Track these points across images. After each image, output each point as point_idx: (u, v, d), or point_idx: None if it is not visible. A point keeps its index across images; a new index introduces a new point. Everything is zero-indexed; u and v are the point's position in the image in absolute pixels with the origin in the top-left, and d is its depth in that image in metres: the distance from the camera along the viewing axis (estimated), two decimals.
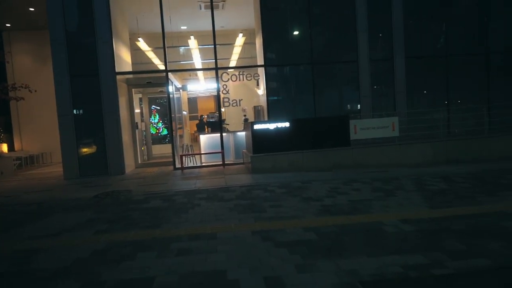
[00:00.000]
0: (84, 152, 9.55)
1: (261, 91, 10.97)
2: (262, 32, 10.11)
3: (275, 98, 10.39)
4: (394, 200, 5.34)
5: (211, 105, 18.70)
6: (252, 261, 3.34)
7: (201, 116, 14.37)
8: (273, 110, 10.22)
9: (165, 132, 14.84)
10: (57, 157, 12.37)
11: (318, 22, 10.37)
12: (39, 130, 14.74)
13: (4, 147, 14.60)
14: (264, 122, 8.64)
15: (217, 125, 10.63)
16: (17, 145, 15.23)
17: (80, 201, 6.49)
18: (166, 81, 10.00)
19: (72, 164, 9.37)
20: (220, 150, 10.06)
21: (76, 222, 5.06)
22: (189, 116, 18.38)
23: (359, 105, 10.39)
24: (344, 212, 4.87)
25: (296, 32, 10.53)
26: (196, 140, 14.22)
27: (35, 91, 11.47)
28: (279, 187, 6.71)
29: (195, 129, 14.87)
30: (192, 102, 19.67)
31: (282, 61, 10.44)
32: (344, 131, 8.56)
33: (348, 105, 10.81)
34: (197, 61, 13.85)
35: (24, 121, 14.97)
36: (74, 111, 9.40)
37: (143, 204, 5.98)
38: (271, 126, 8.36)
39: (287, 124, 8.41)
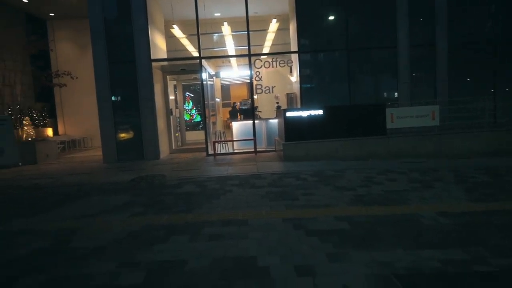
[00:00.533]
0: (122, 137, 9.90)
1: (294, 78, 10.80)
2: (296, 17, 9.88)
3: (309, 85, 10.20)
4: (432, 192, 5.10)
5: (244, 93, 18.68)
6: (283, 248, 3.32)
7: (234, 103, 14.42)
8: (307, 97, 10.04)
9: (198, 118, 15.05)
10: (97, 142, 12.91)
11: (355, 5, 9.98)
12: (81, 116, 15.46)
13: (49, 132, 15.47)
14: (297, 109, 8.52)
15: (250, 112, 10.62)
16: (60, 130, 16.09)
17: (117, 185, 6.75)
18: (199, 68, 10.08)
19: (110, 149, 9.75)
20: (252, 137, 10.07)
21: (113, 204, 5.27)
22: (222, 104, 18.52)
23: (396, 93, 9.97)
24: (379, 202, 4.72)
25: (331, 17, 10.21)
26: (228, 127, 14.30)
27: (77, 77, 11.97)
28: (311, 175, 6.62)
29: (228, 116, 14.98)
30: (225, 89, 19.76)
31: (316, 47, 10.18)
32: (380, 120, 8.26)
33: (385, 93, 10.41)
34: (231, 48, 13.82)
35: (66, 106, 15.75)
36: (113, 98, 9.74)
37: (176, 189, 6.12)
38: (304, 113, 8.23)
39: (320, 112, 8.23)
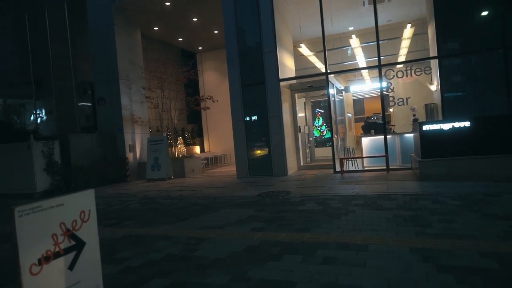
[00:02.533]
0: (253, 154, 10.55)
1: (434, 86, 9.56)
2: (435, 19, 8.79)
3: (452, 93, 8.84)
4: None
5: (379, 106, 17.63)
6: (406, 284, 2.86)
7: (367, 117, 13.71)
8: (450, 108, 8.72)
9: (328, 135, 14.82)
10: (234, 158, 14.17)
11: None
12: (221, 135, 17.25)
13: (197, 149, 17.75)
14: (437, 121, 7.46)
15: (381, 127, 9.87)
16: (206, 147, 18.29)
17: (245, 199, 7.15)
18: (326, 84, 9.97)
19: (243, 165, 10.50)
20: (383, 154, 9.30)
21: (238, 217, 5.57)
22: (355, 118, 17.86)
23: None
24: None
25: (480, 13, 8.69)
26: (360, 143, 13.65)
27: (217, 101, 13.42)
28: (453, 199, 5.64)
29: (361, 131, 14.35)
30: (358, 103, 19.06)
31: (461, 50, 8.80)
32: None
33: None
34: (361, 61, 13.30)
35: (210, 127, 17.83)
36: (245, 117, 10.51)
37: (299, 206, 6.07)
38: (445, 126, 7.14)
39: (467, 124, 7.01)
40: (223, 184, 9.54)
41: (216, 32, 15.10)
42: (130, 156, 12.59)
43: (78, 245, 2.57)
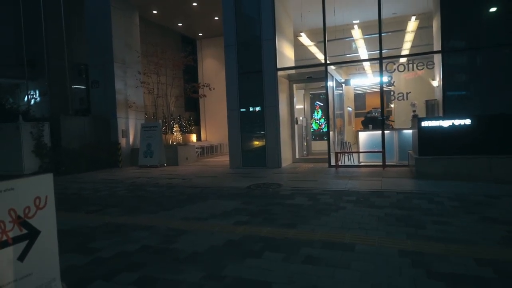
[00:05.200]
0: (247, 144, 10.29)
1: (436, 82, 9.26)
2: (441, 11, 8.45)
3: (455, 90, 8.54)
4: None
5: (379, 101, 17.33)
6: None
7: (367, 112, 13.43)
8: (451, 105, 8.44)
9: (327, 128, 14.60)
10: None
11: None
12: (218, 124, 16.98)
13: (193, 137, 17.49)
14: (436, 118, 7.19)
15: (379, 122, 9.60)
16: (203, 136, 18.04)
17: (234, 190, 6.91)
18: (325, 75, 9.66)
19: (236, 155, 10.25)
20: (380, 150, 9.04)
21: (224, 210, 5.34)
22: (355, 113, 17.56)
23: None
24: None
25: (487, 8, 8.34)
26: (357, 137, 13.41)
27: (214, 88, 13.12)
28: (450, 199, 5.40)
29: (361, 126, 14.10)
30: (360, 98, 18.74)
31: (467, 45, 8.47)
32: None
33: None
34: (363, 54, 12.94)
35: (207, 115, 17.56)
36: (240, 106, 10.22)
37: (288, 199, 5.84)
38: (445, 123, 6.87)
39: (467, 121, 6.73)
40: (214, 174, 9.30)
41: (216, 18, 14.73)
42: (123, 141, 12.34)
43: (31, 234, 2.32)
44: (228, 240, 3.90)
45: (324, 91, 13.78)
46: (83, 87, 13.56)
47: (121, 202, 6.31)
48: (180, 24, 15.96)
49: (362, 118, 13.89)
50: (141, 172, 10.66)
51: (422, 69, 9.23)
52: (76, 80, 13.84)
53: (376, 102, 17.41)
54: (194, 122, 17.77)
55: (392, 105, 13.38)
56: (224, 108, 16.06)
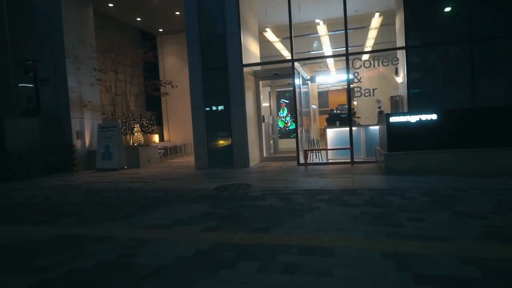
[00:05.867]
0: (213, 144, 9.87)
1: (401, 78, 9.38)
2: (404, 8, 8.54)
3: (419, 86, 8.66)
4: None
5: (343, 99, 17.53)
6: None
7: (331, 110, 13.48)
8: (416, 101, 8.56)
9: (293, 126, 14.50)
10: None
11: None
12: (181, 123, 16.39)
13: (155, 138, 16.76)
14: (404, 114, 7.21)
15: (347, 119, 9.59)
16: (166, 136, 17.33)
17: (201, 192, 6.51)
18: (292, 72, 9.47)
19: (202, 155, 9.81)
20: (348, 146, 9.01)
21: (191, 214, 4.94)
22: (319, 111, 17.65)
23: None
24: None
25: (448, 5, 8.53)
26: (324, 135, 13.42)
27: (176, 86, 12.56)
28: (421, 194, 5.35)
29: (325, 124, 14.14)
30: (323, 95, 18.86)
31: (429, 41, 8.60)
32: None
33: None
34: (327, 51, 12.95)
35: (170, 115, 16.89)
36: (205, 104, 9.78)
37: (259, 201, 5.54)
38: (413, 118, 6.89)
39: (434, 116, 6.79)
40: (179, 176, 8.82)
41: (178, 13, 14.15)
42: (78, 143, 11.47)
43: None
44: (197, 250, 3.53)
45: (290, 88, 13.74)
46: (31, 85, 12.45)
47: (75, 211, 5.71)
48: (139, 19, 15.19)
49: (326, 116, 13.97)
50: (99, 176, 9.92)
51: (387, 65, 9.30)
52: (22, 77, 12.67)
53: (339, 99, 17.66)
54: (156, 122, 17.02)
55: (355, 103, 13.51)
56: (187, 106, 15.52)
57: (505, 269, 2.76)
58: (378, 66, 9.19)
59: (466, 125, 6.73)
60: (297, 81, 9.76)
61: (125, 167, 11.08)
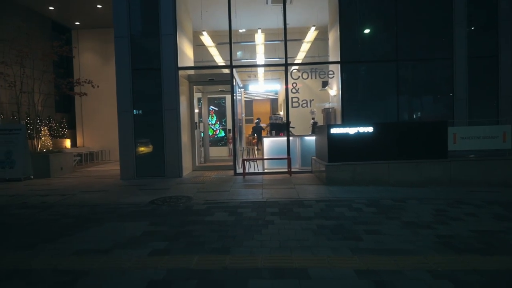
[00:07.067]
0: (142, 151, 8.99)
1: (334, 91, 9.74)
2: (340, 25, 8.91)
3: (351, 99, 9.06)
4: None
5: (267, 109, 17.89)
6: None
7: (258, 119, 13.51)
8: (348, 113, 8.94)
9: (222, 134, 14.20)
10: (116, 155, 12.15)
11: (406, 12, 8.90)
12: (100, 128, 14.85)
13: (67, 143, 14.84)
14: (343, 125, 7.41)
15: (282, 128, 9.60)
16: (79, 142, 15.46)
17: (135, 207, 5.75)
18: (230, 78, 9.17)
19: (129, 164, 8.85)
20: (286, 156, 9.00)
21: (130, 234, 4.25)
22: (245, 119, 17.65)
23: (451, 110, 8.76)
24: (477, 249, 3.53)
25: (378, 25, 9.14)
26: (251, 143, 13.35)
27: (98, 86, 11.28)
28: (366, 205, 5.46)
29: (249, 132, 14.10)
30: (248, 105, 18.96)
31: (361, 58, 9.08)
32: (440, 140, 7.07)
33: (439, 110, 9.17)
34: (260, 60, 12.97)
35: (86, 118, 15.17)
36: (134, 108, 8.88)
37: (206, 216, 5.06)
38: (352, 130, 7.11)
39: (370, 129, 7.11)
40: (103, 187, 7.77)
41: (99, 6, 12.80)
42: None
43: None
44: (150, 281, 2.96)
45: (221, 96, 13.43)
46: None
47: None
48: (51, 8, 13.36)
49: (253, 125, 13.96)
50: None
51: (324, 78, 9.58)
52: None
53: (264, 110, 17.93)
54: (67, 125, 15.10)
55: (281, 112, 13.74)
56: (107, 109, 14.21)
57: (474, 280, 2.82)
58: (316, 78, 9.41)
59: (399, 138, 7.18)
60: (235, 88, 9.48)
61: (31, 177, 9.47)
